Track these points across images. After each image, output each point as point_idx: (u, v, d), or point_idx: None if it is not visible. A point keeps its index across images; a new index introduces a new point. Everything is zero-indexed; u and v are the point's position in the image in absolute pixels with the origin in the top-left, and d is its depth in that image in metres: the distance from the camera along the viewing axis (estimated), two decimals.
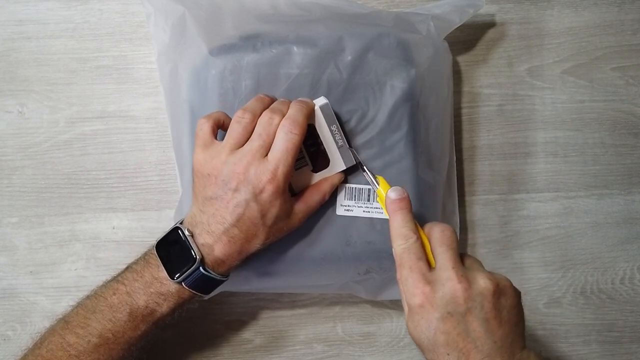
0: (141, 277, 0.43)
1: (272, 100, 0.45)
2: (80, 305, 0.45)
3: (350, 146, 0.47)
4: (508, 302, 0.39)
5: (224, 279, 0.44)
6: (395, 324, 0.57)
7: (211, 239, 0.43)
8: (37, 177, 0.54)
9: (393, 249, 0.41)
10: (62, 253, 0.55)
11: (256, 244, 0.43)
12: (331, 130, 0.45)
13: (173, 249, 0.43)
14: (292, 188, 0.46)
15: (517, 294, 0.40)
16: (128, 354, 0.44)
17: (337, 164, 0.46)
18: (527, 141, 0.57)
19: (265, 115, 0.43)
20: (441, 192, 0.52)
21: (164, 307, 0.43)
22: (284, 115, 0.43)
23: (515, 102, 0.56)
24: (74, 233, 0.55)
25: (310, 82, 0.48)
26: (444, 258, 0.40)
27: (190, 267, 0.42)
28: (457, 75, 0.56)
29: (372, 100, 0.48)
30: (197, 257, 0.42)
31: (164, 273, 0.43)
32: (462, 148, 0.56)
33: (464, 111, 0.56)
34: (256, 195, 0.41)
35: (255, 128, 0.43)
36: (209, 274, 0.43)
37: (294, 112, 0.43)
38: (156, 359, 0.56)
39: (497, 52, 0.56)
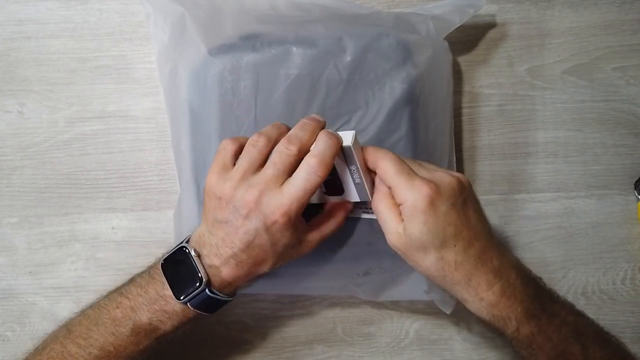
0: (145, 292, 0.43)
1: (289, 128, 0.43)
2: (83, 315, 0.45)
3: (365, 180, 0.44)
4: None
5: (230, 299, 0.44)
6: (395, 324, 0.57)
7: (218, 261, 0.42)
8: (37, 177, 0.54)
9: (374, 200, 0.42)
10: (61, 253, 0.55)
11: (264, 268, 0.43)
12: (350, 170, 0.43)
13: (179, 268, 0.43)
14: None
15: None
16: None
17: (352, 195, 0.44)
18: (527, 141, 0.57)
19: (283, 143, 0.41)
20: None
21: (168, 325, 0.43)
22: (302, 145, 0.40)
23: (515, 102, 0.56)
24: (73, 233, 0.55)
25: (309, 82, 0.48)
26: (424, 166, 0.42)
27: (196, 289, 0.42)
28: (457, 75, 0.55)
29: (371, 101, 0.48)
30: (204, 279, 0.42)
31: (169, 292, 0.42)
32: (462, 148, 0.56)
33: (464, 111, 0.56)
34: (267, 226, 0.40)
35: (272, 155, 0.41)
36: (215, 296, 0.42)
37: (323, 150, 0.40)
38: (156, 359, 0.56)
39: (497, 52, 0.56)
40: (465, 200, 0.40)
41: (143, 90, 0.54)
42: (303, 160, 0.40)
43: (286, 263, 0.44)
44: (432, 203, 0.39)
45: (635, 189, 0.57)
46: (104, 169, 0.55)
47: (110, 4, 0.54)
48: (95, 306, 0.45)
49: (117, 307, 0.43)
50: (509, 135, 0.57)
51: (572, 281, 0.58)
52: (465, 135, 0.56)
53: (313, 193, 0.40)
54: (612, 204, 0.58)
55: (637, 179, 0.57)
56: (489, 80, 0.56)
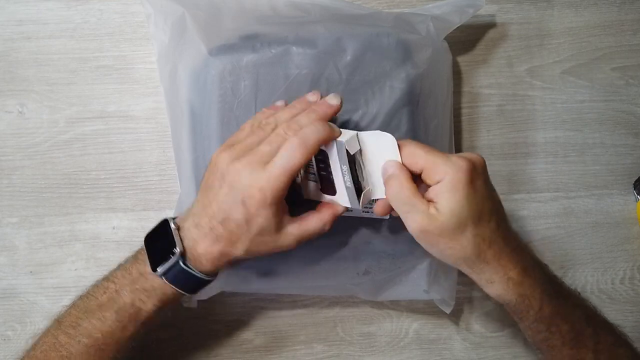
0: (129, 274, 0.43)
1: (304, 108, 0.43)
2: (73, 305, 0.45)
3: (359, 188, 0.43)
4: None
5: (206, 278, 0.43)
6: (394, 324, 0.57)
7: (197, 234, 0.42)
8: (37, 177, 0.54)
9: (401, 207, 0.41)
10: (62, 253, 0.55)
11: (239, 250, 0.42)
12: (342, 169, 0.42)
13: (159, 241, 0.43)
14: (300, 193, 0.46)
15: None
16: (119, 354, 0.44)
17: (342, 199, 0.43)
18: (527, 141, 0.57)
19: (283, 126, 0.41)
20: None
21: (149, 305, 0.43)
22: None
23: (515, 102, 0.56)
24: (74, 233, 0.55)
25: (309, 82, 0.48)
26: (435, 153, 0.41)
27: (170, 260, 0.41)
28: (457, 76, 0.56)
29: (371, 101, 0.48)
30: (178, 249, 0.41)
31: (149, 268, 0.42)
32: (462, 148, 0.56)
33: (464, 111, 0.56)
34: (243, 199, 0.40)
35: (272, 134, 0.41)
36: (189, 270, 0.42)
37: (308, 133, 0.40)
38: (156, 359, 0.56)
39: (497, 52, 0.56)
40: (485, 177, 0.41)
41: (143, 90, 0.54)
42: (287, 139, 0.40)
43: (263, 254, 0.43)
44: (471, 177, 0.39)
45: (634, 189, 0.57)
46: (104, 169, 0.55)
47: (110, 4, 0.54)
48: (83, 296, 0.45)
49: (104, 293, 0.43)
50: (508, 136, 0.57)
51: (571, 281, 0.58)
52: (465, 135, 0.56)
53: (292, 174, 0.39)
54: (612, 204, 0.58)
55: (636, 179, 0.57)
56: (489, 81, 0.56)
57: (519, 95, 0.56)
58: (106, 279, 0.44)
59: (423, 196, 0.40)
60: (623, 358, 0.44)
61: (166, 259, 0.42)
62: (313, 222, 0.43)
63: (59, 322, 0.44)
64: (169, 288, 0.43)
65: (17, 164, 0.54)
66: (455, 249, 0.40)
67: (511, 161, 0.57)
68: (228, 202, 0.40)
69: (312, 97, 0.45)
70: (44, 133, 0.54)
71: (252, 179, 0.39)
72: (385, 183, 0.41)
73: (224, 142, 0.43)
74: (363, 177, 0.43)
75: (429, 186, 0.40)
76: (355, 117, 0.48)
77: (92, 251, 0.55)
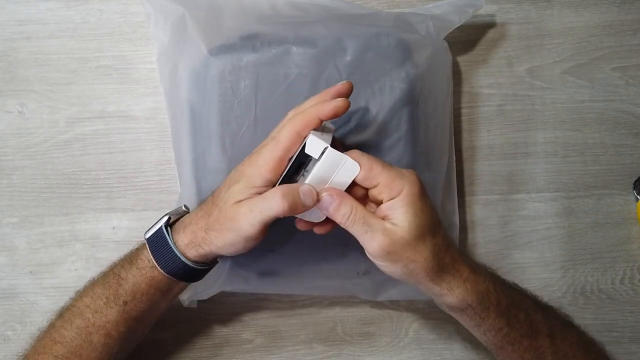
0: (129, 251, 0.45)
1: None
2: (75, 293, 0.46)
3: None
4: None
5: (182, 259, 0.42)
6: (395, 324, 0.57)
7: (192, 211, 0.44)
8: (37, 177, 0.54)
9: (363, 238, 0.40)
10: (62, 253, 0.55)
11: (207, 221, 0.41)
12: (303, 171, 0.41)
13: (165, 215, 0.45)
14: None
15: None
16: (107, 342, 0.44)
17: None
18: (527, 141, 0.57)
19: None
20: (441, 193, 0.52)
21: (129, 275, 0.43)
22: None
23: (515, 102, 0.56)
24: (74, 233, 0.55)
25: (309, 82, 0.48)
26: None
27: (156, 224, 0.43)
28: (457, 75, 0.56)
29: (371, 100, 0.48)
30: (167, 216, 0.43)
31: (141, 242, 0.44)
32: (462, 148, 0.56)
33: (464, 111, 0.56)
34: (242, 166, 0.42)
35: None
36: (167, 236, 0.42)
37: (285, 128, 0.40)
38: (156, 359, 0.56)
39: (497, 52, 0.56)
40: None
41: (143, 90, 0.54)
42: (283, 122, 0.41)
43: (227, 240, 0.41)
44: (422, 190, 0.40)
45: (634, 188, 0.57)
46: (104, 169, 0.55)
47: (110, 4, 0.54)
48: (87, 282, 0.46)
49: (103, 274, 0.45)
50: (508, 135, 0.57)
51: (571, 281, 0.58)
52: (465, 135, 0.56)
53: (284, 149, 0.40)
54: (612, 204, 0.58)
55: (636, 179, 0.57)
56: (489, 81, 0.56)
57: (519, 95, 0.56)
58: (112, 263, 0.46)
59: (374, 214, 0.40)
60: (574, 337, 0.45)
61: (155, 225, 0.44)
62: (259, 197, 0.40)
63: (59, 310, 0.46)
64: (147, 254, 0.43)
65: (17, 164, 0.54)
66: (419, 261, 0.40)
67: (511, 161, 0.57)
68: (228, 176, 0.43)
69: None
70: (44, 133, 0.54)
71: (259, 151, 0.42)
72: (334, 209, 0.40)
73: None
74: (301, 179, 0.41)
75: (379, 202, 0.40)
76: (355, 116, 0.48)
77: (92, 251, 0.55)
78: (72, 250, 0.55)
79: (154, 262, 0.43)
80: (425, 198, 0.40)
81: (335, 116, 0.40)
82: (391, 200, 0.39)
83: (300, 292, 0.56)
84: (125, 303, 0.43)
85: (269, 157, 0.40)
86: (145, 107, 0.54)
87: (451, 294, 0.41)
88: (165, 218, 0.43)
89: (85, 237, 0.55)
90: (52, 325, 0.44)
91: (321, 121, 0.40)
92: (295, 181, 0.42)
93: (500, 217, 0.57)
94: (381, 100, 0.48)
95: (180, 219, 0.44)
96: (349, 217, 0.39)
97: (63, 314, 0.44)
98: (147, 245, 0.43)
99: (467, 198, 0.57)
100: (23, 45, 0.54)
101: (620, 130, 0.57)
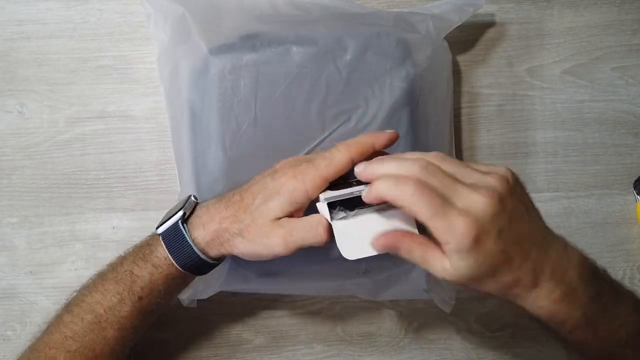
0: (138, 244, 0.45)
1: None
2: (81, 286, 0.45)
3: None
4: None
5: (198, 253, 0.42)
6: (395, 324, 0.57)
7: (213, 201, 0.43)
8: (37, 177, 0.54)
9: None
10: (62, 253, 0.55)
11: (236, 226, 0.41)
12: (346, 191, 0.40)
13: (175, 208, 0.44)
14: None
15: None
16: (120, 336, 0.43)
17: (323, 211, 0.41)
18: (527, 141, 0.57)
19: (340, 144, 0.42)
20: None
21: (144, 272, 0.43)
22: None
23: (515, 102, 0.56)
24: (74, 233, 0.55)
25: (309, 81, 0.48)
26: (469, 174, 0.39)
27: (171, 219, 0.42)
28: (456, 75, 0.56)
29: (371, 100, 0.48)
30: (182, 211, 0.42)
31: (153, 236, 0.43)
32: (462, 148, 0.56)
33: (464, 111, 0.56)
34: (278, 175, 0.41)
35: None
36: (183, 232, 0.42)
37: (341, 152, 0.41)
38: (156, 359, 0.56)
39: (497, 52, 0.56)
40: (511, 212, 0.36)
41: (143, 90, 0.54)
42: (338, 145, 0.42)
43: (250, 248, 0.41)
44: (476, 241, 0.35)
45: (634, 188, 0.57)
46: (104, 169, 0.55)
47: (110, 4, 0.54)
48: (94, 276, 0.46)
49: (112, 268, 0.44)
50: (508, 135, 0.57)
51: None
52: (465, 135, 0.56)
53: (335, 171, 0.40)
54: (612, 204, 0.58)
55: (636, 179, 0.57)
56: (489, 80, 0.56)
57: (519, 95, 0.56)
58: (119, 256, 0.45)
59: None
60: None
61: (168, 219, 0.43)
62: (302, 223, 0.41)
63: (66, 304, 0.45)
64: (162, 251, 0.42)
65: (17, 164, 0.54)
66: (481, 291, 0.38)
67: (511, 161, 0.57)
68: (264, 175, 0.42)
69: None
70: (43, 133, 0.54)
71: (298, 164, 0.41)
72: (397, 240, 0.38)
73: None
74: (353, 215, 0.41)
75: None
76: (355, 116, 0.48)
77: (92, 251, 0.55)
78: (72, 250, 0.55)
79: (171, 259, 0.42)
80: (481, 248, 0.35)
81: (388, 145, 0.42)
82: (442, 246, 0.36)
83: (300, 292, 0.56)
84: (140, 298, 0.43)
85: (317, 175, 0.40)
86: (145, 107, 0.54)
87: (522, 309, 0.39)
88: (180, 213, 0.42)
89: (85, 237, 0.55)
90: (61, 321, 0.44)
91: (374, 150, 0.41)
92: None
93: None
94: (381, 99, 0.48)
95: (195, 213, 0.43)
96: (407, 257, 0.38)
97: (72, 310, 0.44)
98: (162, 242, 0.42)
99: None
100: (23, 45, 0.54)
101: (620, 130, 0.57)
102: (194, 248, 0.42)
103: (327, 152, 0.41)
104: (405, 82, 0.48)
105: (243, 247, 0.41)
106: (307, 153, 0.48)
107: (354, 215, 0.41)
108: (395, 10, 0.52)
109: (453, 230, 0.35)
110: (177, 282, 0.44)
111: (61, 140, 0.54)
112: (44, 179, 0.54)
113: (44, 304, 0.55)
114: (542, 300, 0.37)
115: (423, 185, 0.36)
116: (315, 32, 0.48)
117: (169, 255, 0.42)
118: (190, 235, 0.42)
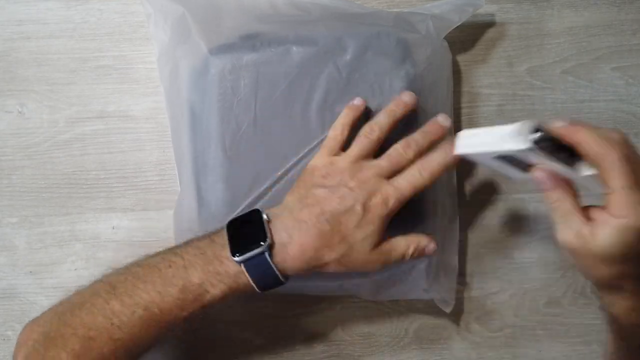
0: (202, 253, 0.42)
1: (405, 111, 0.46)
2: (129, 272, 0.43)
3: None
4: None
5: (282, 280, 0.42)
6: (394, 323, 0.57)
7: (295, 227, 0.42)
8: (37, 177, 0.54)
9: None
10: (62, 253, 0.55)
11: (333, 254, 0.42)
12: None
13: (245, 227, 0.42)
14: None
15: None
16: (166, 333, 0.43)
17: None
18: None
19: (402, 145, 0.44)
20: (440, 192, 0.52)
21: (217, 290, 0.42)
22: (418, 152, 0.44)
23: (515, 102, 0.56)
24: (73, 233, 0.55)
25: (309, 81, 0.48)
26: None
27: (255, 249, 0.41)
28: (456, 75, 0.56)
29: (371, 100, 0.48)
30: (268, 241, 0.41)
31: (226, 252, 0.41)
32: None
33: (464, 111, 0.56)
34: (365, 202, 0.42)
35: (389, 150, 0.45)
36: (271, 264, 0.41)
37: (435, 164, 0.43)
38: (156, 359, 0.56)
39: (497, 52, 0.56)
40: None
41: (143, 90, 0.54)
42: (418, 163, 0.43)
43: (343, 270, 0.43)
44: None
45: None
46: (104, 169, 0.55)
47: (110, 4, 0.54)
48: (143, 264, 0.43)
49: (170, 266, 0.42)
50: None
51: (571, 280, 0.58)
52: None
53: (413, 193, 0.43)
54: None
55: None
56: (489, 80, 0.56)
57: (519, 95, 0.56)
58: (173, 252, 0.43)
59: (586, 208, 0.37)
60: None
61: (250, 246, 0.41)
62: (399, 250, 0.44)
63: (112, 287, 0.42)
64: (243, 278, 0.41)
65: (17, 164, 0.54)
66: (591, 274, 0.37)
67: None
68: (345, 202, 0.42)
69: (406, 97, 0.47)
70: (43, 133, 0.54)
71: (379, 188, 0.42)
72: (557, 182, 0.38)
73: (320, 152, 0.46)
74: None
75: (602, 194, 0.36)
76: None
77: (92, 251, 0.55)
78: (72, 250, 0.55)
79: (252, 284, 0.42)
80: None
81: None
82: (605, 211, 0.36)
83: (300, 292, 0.55)
84: (203, 307, 0.42)
85: (402, 200, 0.43)
86: (145, 107, 0.54)
87: (611, 308, 0.39)
88: (265, 244, 0.41)
89: (85, 237, 0.55)
90: (110, 309, 0.41)
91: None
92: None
93: (500, 217, 0.57)
94: (381, 99, 0.48)
95: (277, 239, 0.42)
96: (556, 201, 0.38)
97: (123, 300, 0.41)
98: (244, 268, 0.41)
99: (467, 198, 0.57)
100: (23, 45, 0.54)
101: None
102: (280, 276, 0.42)
103: (408, 175, 0.43)
104: (405, 82, 0.48)
105: (335, 269, 0.43)
106: (307, 153, 0.48)
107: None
108: (395, 10, 0.52)
109: (636, 208, 0.34)
110: (243, 294, 0.44)
111: (61, 140, 0.54)
112: (44, 179, 0.54)
113: (44, 304, 0.55)
114: None
115: (627, 155, 0.35)
116: (315, 32, 0.48)
117: (250, 281, 0.42)
118: (275, 264, 0.42)
